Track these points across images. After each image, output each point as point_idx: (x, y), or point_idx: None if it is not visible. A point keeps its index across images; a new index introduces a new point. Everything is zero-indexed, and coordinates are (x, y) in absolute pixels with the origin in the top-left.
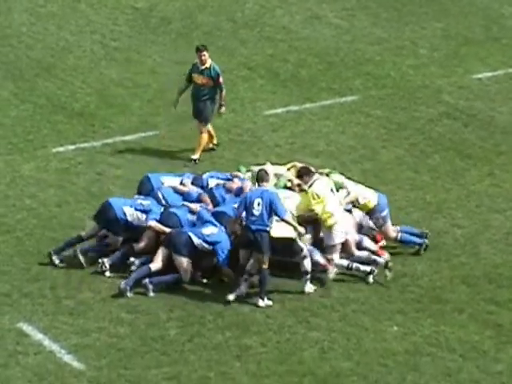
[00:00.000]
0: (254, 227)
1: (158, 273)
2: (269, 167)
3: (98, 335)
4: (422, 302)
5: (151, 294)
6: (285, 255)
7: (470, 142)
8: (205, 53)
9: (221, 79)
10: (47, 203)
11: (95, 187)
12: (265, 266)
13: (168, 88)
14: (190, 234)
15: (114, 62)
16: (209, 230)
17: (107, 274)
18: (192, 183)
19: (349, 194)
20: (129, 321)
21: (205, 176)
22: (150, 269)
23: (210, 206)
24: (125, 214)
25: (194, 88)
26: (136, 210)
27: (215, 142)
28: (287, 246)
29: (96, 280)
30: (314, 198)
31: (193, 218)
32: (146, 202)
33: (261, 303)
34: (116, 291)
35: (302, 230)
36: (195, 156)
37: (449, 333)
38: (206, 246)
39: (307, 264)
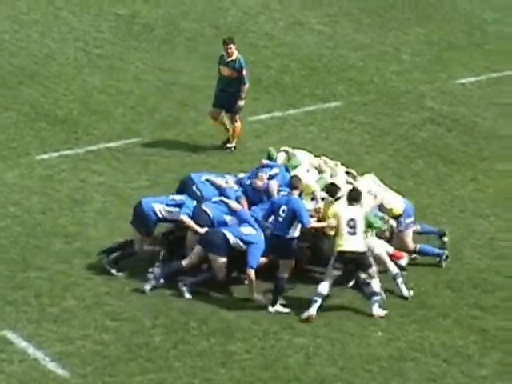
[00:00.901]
0: (276, 233)
1: (185, 271)
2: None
3: (82, 342)
4: (406, 307)
5: (188, 295)
6: (351, 271)
7: (453, 148)
8: (231, 45)
9: (244, 72)
10: (31, 210)
11: (79, 194)
12: (285, 275)
13: (151, 95)
14: (226, 232)
15: (97, 69)
16: (247, 230)
17: (147, 287)
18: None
19: (375, 198)
20: (113, 328)
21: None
22: (181, 265)
23: (246, 210)
24: (155, 212)
25: (220, 79)
26: (167, 205)
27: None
28: (356, 262)
29: (80, 288)
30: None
31: (228, 216)
32: (179, 197)
33: (270, 309)
34: (100, 299)
35: (332, 222)
36: (229, 144)
37: (433, 338)
38: (241, 244)
39: (375, 285)
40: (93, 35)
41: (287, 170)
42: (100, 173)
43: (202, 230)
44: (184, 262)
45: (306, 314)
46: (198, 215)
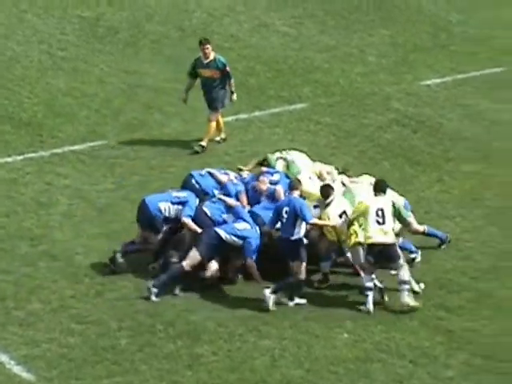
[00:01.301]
0: (282, 235)
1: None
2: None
3: (48, 346)
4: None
5: (154, 298)
6: (382, 262)
7: (418, 149)
8: (208, 46)
9: (227, 68)
10: None
11: (44, 197)
12: (301, 276)
13: (116, 97)
14: (217, 230)
15: (62, 71)
16: (242, 226)
17: (153, 298)
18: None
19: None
20: (79, 331)
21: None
22: (182, 267)
23: (247, 207)
24: (160, 211)
25: (203, 82)
26: (172, 203)
27: (223, 136)
28: (385, 253)
29: (46, 291)
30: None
31: (227, 215)
32: (182, 194)
33: (290, 303)
34: (66, 302)
35: (335, 222)
36: (203, 143)
37: (399, 339)
38: (236, 240)
39: (404, 274)
40: (57, 38)
41: (287, 177)
42: (65, 176)
43: (200, 230)
44: (185, 264)
45: (365, 309)
46: (198, 216)
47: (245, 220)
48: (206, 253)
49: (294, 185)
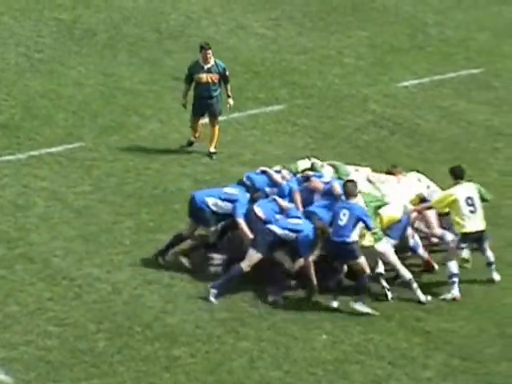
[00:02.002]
0: (336, 239)
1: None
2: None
3: (25, 348)
4: (350, 310)
5: (213, 299)
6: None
7: (396, 150)
8: (210, 51)
9: (227, 72)
10: None
11: (21, 199)
12: (367, 271)
13: (93, 99)
14: (270, 226)
15: (39, 73)
16: (294, 221)
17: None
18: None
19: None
20: (57, 333)
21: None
22: (242, 269)
23: (300, 206)
24: (207, 205)
25: (200, 87)
26: (221, 199)
27: (197, 136)
28: (477, 238)
29: (23, 293)
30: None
31: (281, 216)
32: (233, 191)
33: (357, 306)
34: (43, 304)
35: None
36: (212, 149)
37: (378, 340)
38: (290, 234)
39: (490, 254)
40: (34, 40)
41: (340, 179)
42: (42, 178)
43: (252, 236)
44: (243, 265)
45: (449, 296)
46: (249, 216)
47: (298, 217)
48: (264, 251)
49: (351, 191)
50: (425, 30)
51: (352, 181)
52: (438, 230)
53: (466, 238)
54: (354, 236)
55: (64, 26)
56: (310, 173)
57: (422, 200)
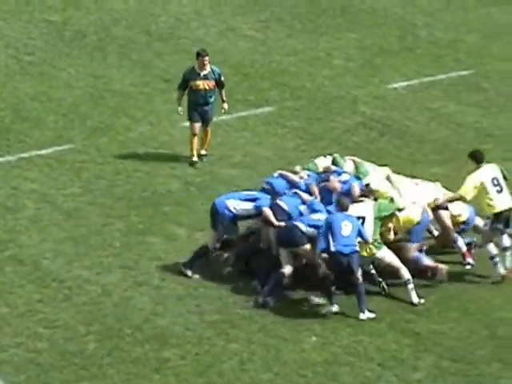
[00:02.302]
0: (343, 251)
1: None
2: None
3: (15, 350)
4: (340, 312)
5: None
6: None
7: (386, 152)
8: (207, 58)
9: (222, 77)
10: None
11: (11, 201)
12: (358, 281)
13: (83, 101)
14: (297, 224)
15: (29, 76)
16: (317, 216)
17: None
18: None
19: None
20: (47, 335)
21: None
22: (283, 274)
23: (318, 197)
24: (229, 209)
25: (196, 94)
26: (241, 200)
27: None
28: (507, 217)
29: (13, 295)
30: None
31: (304, 206)
32: (252, 192)
33: (361, 316)
34: (33, 306)
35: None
36: (203, 151)
37: (367, 342)
38: (311, 230)
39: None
40: (24, 42)
41: (359, 178)
42: (32, 180)
43: (280, 224)
44: (285, 271)
45: (496, 276)
46: (274, 210)
47: (321, 211)
48: (293, 247)
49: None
50: (414, 32)
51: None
52: (451, 233)
53: (498, 218)
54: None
55: (54, 27)
56: (332, 167)
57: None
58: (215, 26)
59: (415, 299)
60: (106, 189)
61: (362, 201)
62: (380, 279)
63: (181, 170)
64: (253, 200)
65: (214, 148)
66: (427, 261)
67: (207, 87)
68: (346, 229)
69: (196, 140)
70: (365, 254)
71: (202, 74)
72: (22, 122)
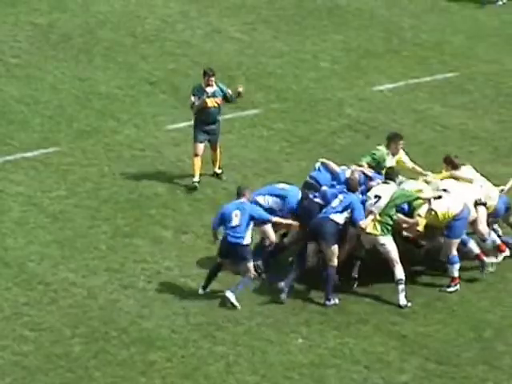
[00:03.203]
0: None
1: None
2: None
3: (1, 353)
4: (326, 314)
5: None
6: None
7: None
8: (213, 78)
9: (229, 90)
10: None
11: None
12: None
13: (69, 104)
14: (332, 217)
15: (14, 78)
16: (336, 201)
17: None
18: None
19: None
20: (32, 338)
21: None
22: (334, 267)
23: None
24: (259, 203)
25: (205, 112)
26: (270, 195)
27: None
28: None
29: None
30: None
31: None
32: (283, 186)
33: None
34: (19, 309)
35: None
36: (218, 170)
37: (353, 344)
38: (348, 214)
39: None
40: (9, 44)
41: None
42: (18, 183)
43: (294, 223)
44: (334, 264)
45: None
46: (309, 205)
47: (334, 195)
48: (331, 242)
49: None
50: (400, 34)
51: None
52: (485, 228)
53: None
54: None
55: (40, 30)
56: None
57: (478, 203)
58: (201, 28)
59: (403, 301)
60: (92, 191)
61: (387, 182)
62: (356, 276)
63: (167, 173)
64: (282, 197)
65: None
66: (477, 250)
67: (214, 104)
68: (236, 219)
69: (199, 161)
70: (369, 230)
71: (209, 91)
72: (8, 124)
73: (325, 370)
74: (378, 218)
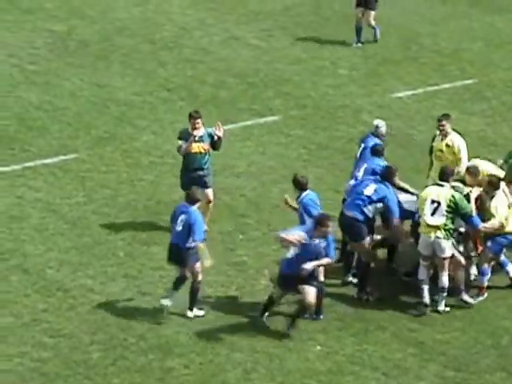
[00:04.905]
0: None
1: None
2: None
3: (20, 360)
4: (344, 321)
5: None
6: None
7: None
8: (199, 120)
9: (217, 132)
10: None
11: (16, 211)
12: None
13: (87, 111)
14: (353, 213)
15: (33, 85)
16: (370, 189)
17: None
18: None
19: None
20: (51, 345)
21: None
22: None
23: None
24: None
25: (190, 159)
26: (371, 203)
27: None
28: None
29: (18, 305)
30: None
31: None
32: (377, 188)
33: (189, 314)
34: (38, 315)
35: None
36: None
37: (371, 351)
38: (378, 205)
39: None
40: (28, 51)
41: None
42: (37, 189)
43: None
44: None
45: None
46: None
47: (365, 182)
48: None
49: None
50: (418, 41)
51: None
52: None
53: None
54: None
55: (58, 37)
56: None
57: None
58: (219, 35)
59: (442, 307)
60: (110, 198)
61: (442, 185)
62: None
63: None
64: (381, 200)
65: (218, 157)
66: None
67: (202, 150)
68: (180, 223)
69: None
70: (431, 233)
71: (196, 136)
72: (27, 131)
73: (343, 377)
74: (442, 222)
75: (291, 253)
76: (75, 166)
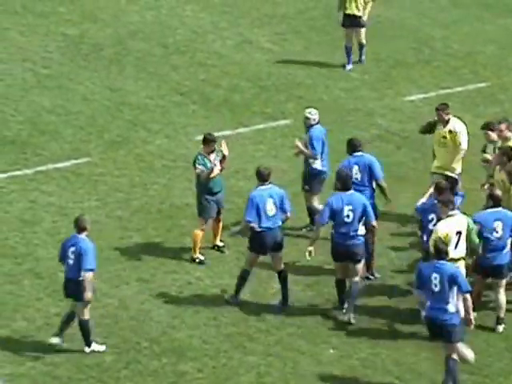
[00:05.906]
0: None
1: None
2: None
3: (33, 364)
4: (357, 325)
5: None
6: None
7: (403, 164)
8: (214, 143)
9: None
10: None
11: (28, 215)
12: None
13: (100, 114)
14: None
15: (46, 89)
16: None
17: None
18: None
19: None
20: (64, 349)
21: None
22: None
23: None
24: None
25: (213, 183)
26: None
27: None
28: None
29: (30, 309)
30: None
31: None
32: None
33: (86, 349)
34: (50, 319)
35: None
36: (220, 243)
37: (385, 355)
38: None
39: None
40: (41, 55)
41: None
42: (49, 193)
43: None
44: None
45: None
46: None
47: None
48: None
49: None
50: (430, 44)
51: None
52: None
53: None
54: None
55: (71, 41)
56: None
57: None
58: (232, 39)
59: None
60: (123, 202)
61: (453, 215)
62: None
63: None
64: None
65: (230, 161)
66: None
67: (219, 171)
68: (72, 255)
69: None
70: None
71: (213, 159)
72: (40, 135)
73: (356, 381)
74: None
75: None
76: (88, 169)
